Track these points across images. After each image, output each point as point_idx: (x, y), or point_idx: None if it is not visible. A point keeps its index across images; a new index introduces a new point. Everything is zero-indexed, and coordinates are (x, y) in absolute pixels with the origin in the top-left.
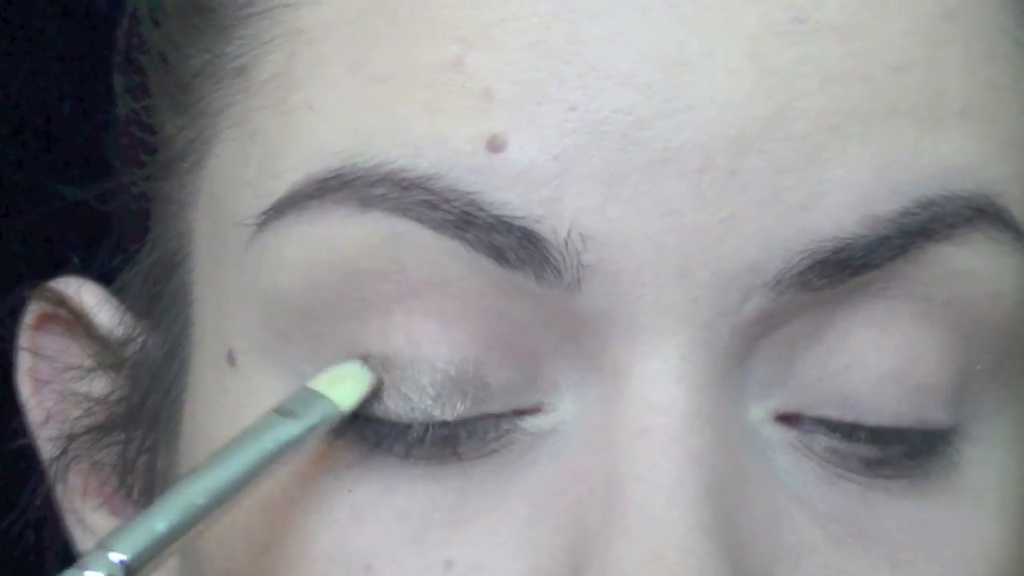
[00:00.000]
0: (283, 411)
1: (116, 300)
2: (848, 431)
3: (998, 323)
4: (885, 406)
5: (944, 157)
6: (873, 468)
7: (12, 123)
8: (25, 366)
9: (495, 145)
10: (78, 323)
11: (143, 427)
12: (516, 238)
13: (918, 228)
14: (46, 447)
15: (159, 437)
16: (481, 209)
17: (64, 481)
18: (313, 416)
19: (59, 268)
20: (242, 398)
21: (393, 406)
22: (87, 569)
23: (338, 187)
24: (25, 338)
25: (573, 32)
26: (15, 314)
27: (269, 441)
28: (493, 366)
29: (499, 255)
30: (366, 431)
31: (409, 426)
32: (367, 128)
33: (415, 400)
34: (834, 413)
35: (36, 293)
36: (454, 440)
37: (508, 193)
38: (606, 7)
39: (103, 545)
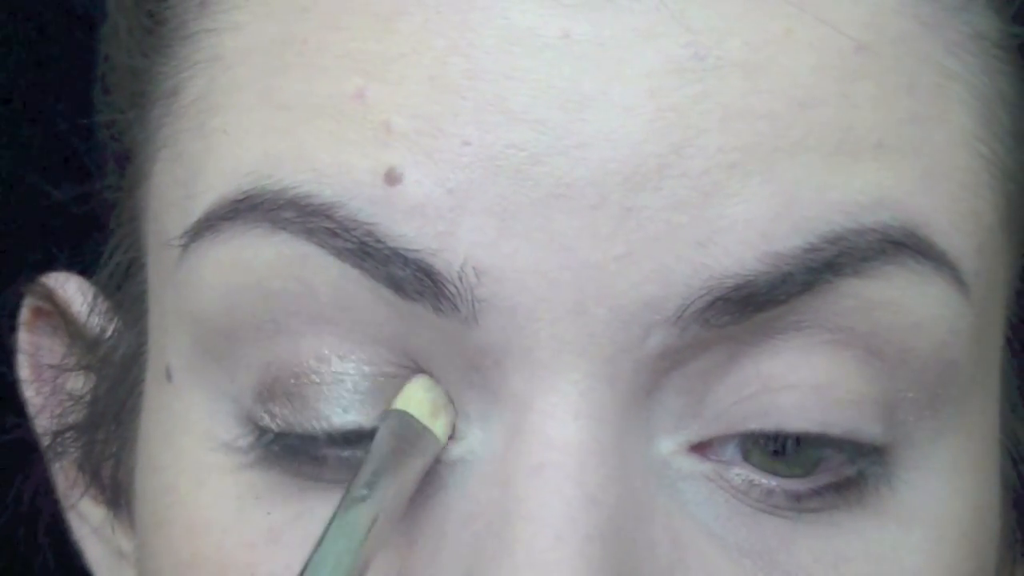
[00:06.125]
0: (401, 449)
1: (97, 298)
2: (772, 450)
3: (926, 353)
4: (810, 415)
5: (856, 191)
6: (801, 502)
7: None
8: (22, 359)
9: (392, 178)
10: (62, 319)
11: (105, 431)
12: (412, 271)
13: (823, 264)
14: (42, 439)
15: (122, 444)
16: (379, 241)
17: (55, 473)
18: (428, 455)
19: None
20: (175, 415)
21: (304, 420)
22: None
23: (249, 208)
24: (21, 332)
25: (470, 67)
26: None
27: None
28: (397, 390)
29: (397, 286)
30: (274, 447)
31: (316, 439)
32: (275, 153)
33: (323, 413)
34: (755, 425)
35: (30, 288)
36: (359, 463)
37: (405, 226)
38: (503, 42)
39: None
